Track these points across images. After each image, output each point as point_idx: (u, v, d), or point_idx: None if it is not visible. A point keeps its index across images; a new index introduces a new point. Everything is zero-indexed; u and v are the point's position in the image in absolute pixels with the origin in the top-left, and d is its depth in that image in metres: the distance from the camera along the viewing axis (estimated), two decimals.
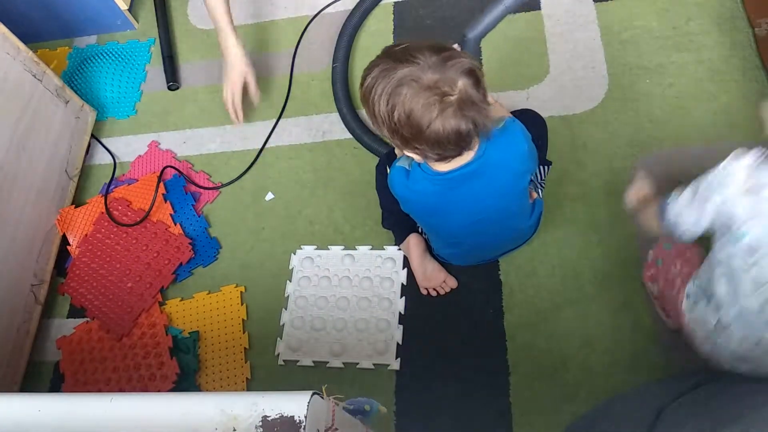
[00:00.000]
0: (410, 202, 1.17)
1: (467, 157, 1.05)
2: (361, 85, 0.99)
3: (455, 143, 0.97)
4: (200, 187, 1.62)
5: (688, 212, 0.95)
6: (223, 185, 1.62)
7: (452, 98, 0.92)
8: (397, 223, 1.38)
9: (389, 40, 1.71)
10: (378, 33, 1.74)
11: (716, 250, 0.95)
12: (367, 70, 0.97)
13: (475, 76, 0.94)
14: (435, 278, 1.36)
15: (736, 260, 0.91)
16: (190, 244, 1.52)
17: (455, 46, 1.01)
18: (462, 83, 0.92)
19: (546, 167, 1.35)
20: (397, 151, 1.18)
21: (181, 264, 1.50)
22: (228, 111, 1.60)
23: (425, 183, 1.09)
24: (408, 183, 1.12)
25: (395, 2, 1.78)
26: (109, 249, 1.54)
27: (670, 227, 0.99)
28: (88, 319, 1.50)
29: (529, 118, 1.28)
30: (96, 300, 1.50)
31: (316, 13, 1.81)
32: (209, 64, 1.81)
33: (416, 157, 1.04)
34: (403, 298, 1.39)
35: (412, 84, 0.92)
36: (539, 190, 1.32)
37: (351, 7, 1.79)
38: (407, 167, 1.11)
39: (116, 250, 1.53)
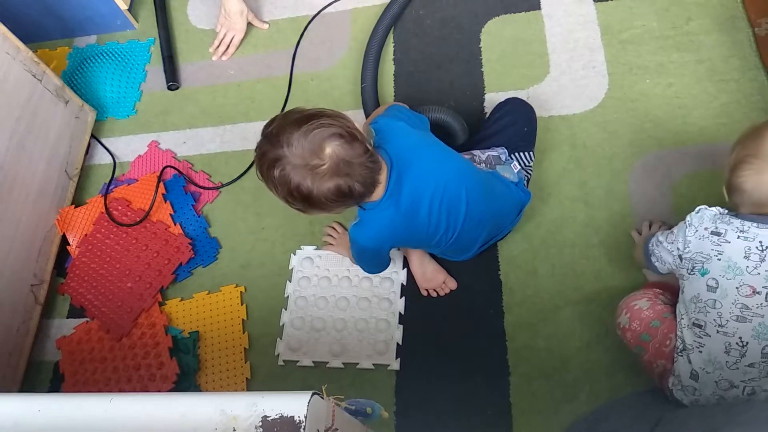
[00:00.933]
0: (386, 239, 1.19)
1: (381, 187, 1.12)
2: (254, 162, 1.11)
3: (350, 197, 1.06)
4: (200, 187, 1.62)
5: (665, 253, 1.10)
6: (223, 185, 1.62)
7: (324, 167, 1.01)
8: None
9: (389, 41, 1.71)
10: None
11: (685, 292, 1.07)
12: (256, 151, 1.07)
13: (341, 136, 1.01)
14: (435, 279, 1.36)
15: (700, 297, 1.01)
16: (190, 244, 1.52)
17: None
18: (330, 149, 1.00)
19: (531, 153, 1.37)
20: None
21: (181, 264, 1.50)
22: (216, 46, 1.78)
23: (379, 215, 1.14)
24: (367, 228, 1.17)
25: None
26: (109, 249, 1.54)
27: (651, 265, 1.15)
28: (88, 319, 1.50)
29: (515, 106, 1.38)
30: (96, 300, 1.50)
31: (315, 12, 1.81)
32: (209, 64, 1.81)
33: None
34: (403, 298, 1.39)
35: (285, 166, 1.02)
36: (525, 174, 1.35)
37: (349, 7, 1.79)
38: (355, 221, 1.19)
39: (116, 250, 1.53)
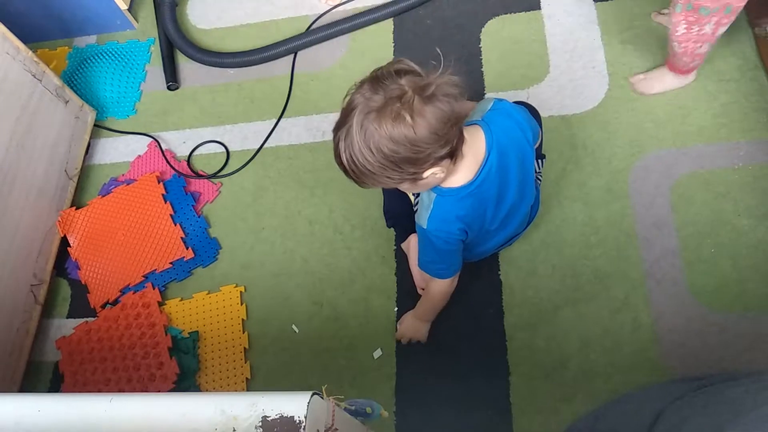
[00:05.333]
0: (461, 217, 1.09)
1: (479, 154, 1.04)
2: (341, 161, 0.97)
3: (451, 123, 0.93)
4: (199, 176, 1.63)
5: None
6: (216, 174, 1.62)
7: (408, 95, 0.90)
8: (399, 222, 1.38)
9: (389, 41, 1.72)
10: (378, 33, 1.74)
11: None
12: (335, 149, 0.97)
13: (406, 70, 0.93)
14: None
15: None
16: (190, 247, 1.52)
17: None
18: (405, 81, 0.91)
19: (541, 160, 1.35)
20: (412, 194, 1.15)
21: (182, 258, 1.51)
22: None
23: (460, 203, 1.06)
24: (443, 206, 1.07)
25: None
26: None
27: None
28: (87, 319, 1.50)
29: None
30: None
31: (318, 13, 1.81)
32: None
33: (436, 171, 0.98)
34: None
35: (369, 117, 0.91)
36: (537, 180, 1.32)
37: (350, 7, 1.79)
38: (429, 214, 1.08)
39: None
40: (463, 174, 1.04)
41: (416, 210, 1.14)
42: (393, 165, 0.93)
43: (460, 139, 0.99)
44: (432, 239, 1.10)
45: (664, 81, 1.46)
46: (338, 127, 0.96)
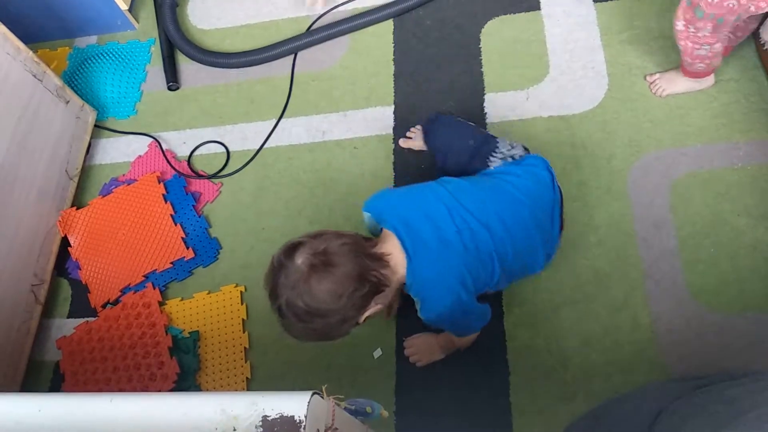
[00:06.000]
0: (454, 285, 1.11)
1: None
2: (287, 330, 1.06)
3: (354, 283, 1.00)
4: (199, 176, 1.63)
5: None
6: (217, 175, 1.62)
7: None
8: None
9: (389, 41, 1.72)
10: (378, 33, 1.74)
11: None
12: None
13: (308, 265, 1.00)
14: None
15: None
16: (190, 247, 1.52)
17: None
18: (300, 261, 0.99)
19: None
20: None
21: (182, 258, 1.51)
22: None
23: (426, 273, 1.09)
24: (432, 293, 1.11)
25: None
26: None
27: None
28: (88, 319, 1.50)
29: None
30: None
31: (318, 14, 1.82)
32: None
33: (377, 307, 1.06)
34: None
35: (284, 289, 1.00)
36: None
37: (350, 7, 1.79)
38: (419, 306, 1.13)
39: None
40: (399, 262, 1.08)
41: (419, 310, 1.15)
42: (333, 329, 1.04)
43: (378, 265, 1.05)
44: (438, 317, 1.12)
45: (675, 83, 1.45)
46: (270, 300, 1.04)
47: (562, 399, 1.24)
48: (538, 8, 1.66)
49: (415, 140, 1.50)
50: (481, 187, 1.18)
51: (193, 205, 1.59)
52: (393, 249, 1.08)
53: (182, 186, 1.61)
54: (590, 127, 1.48)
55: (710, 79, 1.43)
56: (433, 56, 1.67)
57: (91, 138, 1.74)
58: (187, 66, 1.84)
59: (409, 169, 1.53)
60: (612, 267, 1.33)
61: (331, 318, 1.00)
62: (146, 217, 1.56)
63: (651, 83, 1.49)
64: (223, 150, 1.68)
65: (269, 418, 0.65)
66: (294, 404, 0.66)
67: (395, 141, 1.57)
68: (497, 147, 1.26)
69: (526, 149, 1.27)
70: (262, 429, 0.65)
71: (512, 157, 1.24)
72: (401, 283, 1.10)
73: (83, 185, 1.71)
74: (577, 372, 1.26)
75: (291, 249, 1.00)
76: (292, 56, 1.77)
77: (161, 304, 1.49)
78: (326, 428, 0.69)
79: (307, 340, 1.07)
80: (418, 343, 1.32)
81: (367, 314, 1.05)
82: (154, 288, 1.49)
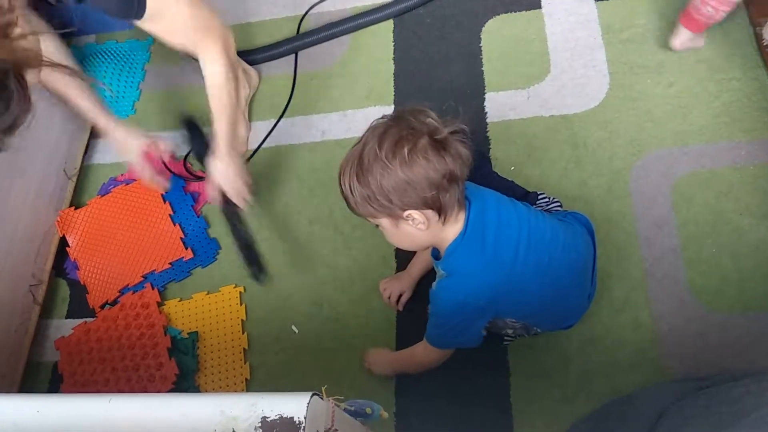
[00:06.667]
0: (480, 288, 1.05)
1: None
2: (342, 194, 1.01)
3: (447, 180, 0.95)
4: (196, 177, 1.63)
5: None
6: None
7: (423, 142, 0.93)
8: None
9: (389, 40, 1.71)
10: (377, 33, 1.73)
11: None
12: (341, 174, 0.99)
13: (428, 115, 0.95)
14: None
15: None
16: (189, 247, 1.52)
17: None
18: (430, 122, 0.95)
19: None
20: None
21: (181, 259, 1.50)
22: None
23: (465, 258, 1.03)
24: (458, 276, 1.04)
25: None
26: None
27: None
28: (87, 319, 1.50)
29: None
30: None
31: (306, 11, 1.81)
32: None
33: (418, 221, 0.98)
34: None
35: (377, 144, 0.94)
36: None
37: (349, 6, 1.79)
38: (440, 277, 1.07)
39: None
40: (452, 229, 1.03)
41: (436, 282, 1.10)
42: (377, 191, 0.95)
43: (454, 199, 0.98)
44: (443, 301, 1.07)
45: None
46: (348, 159, 0.99)
47: (563, 399, 1.24)
48: (539, 7, 1.66)
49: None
50: (554, 233, 1.13)
51: (192, 205, 1.58)
52: (460, 219, 1.02)
53: (181, 186, 1.61)
54: (591, 127, 1.47)
55: (702, 39, 1.45)
56: (433, 55, 1.67)
57: (90, 137, 1.73)
58: (186, 65, 1.83)
59: None
60: (613, 266, 1.33)
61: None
62: (145, 217, 1.56)
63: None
64: None
65: (268, 419, 0.65)
66: (293, 405, 0.66)
67: None
68: (538, 198, 1.26)
69: (560, 205, 1.26)
70: (261, 430, 0.65)
71: (550, 210, 1.23)
72: (436, 242, 1.05)
73: (82, 185, 1.70)
74: (578, 372, 1.25)
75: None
76: (293, 55, 1.76)
77: (160, 304, 1.48)
78: (326, 429, 0.68)
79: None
80: (376, 355, 1.33)
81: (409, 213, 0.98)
82: (153, 288, 1.49)
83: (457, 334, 1.11)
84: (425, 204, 0.96)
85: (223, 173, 1.36)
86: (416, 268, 1.35)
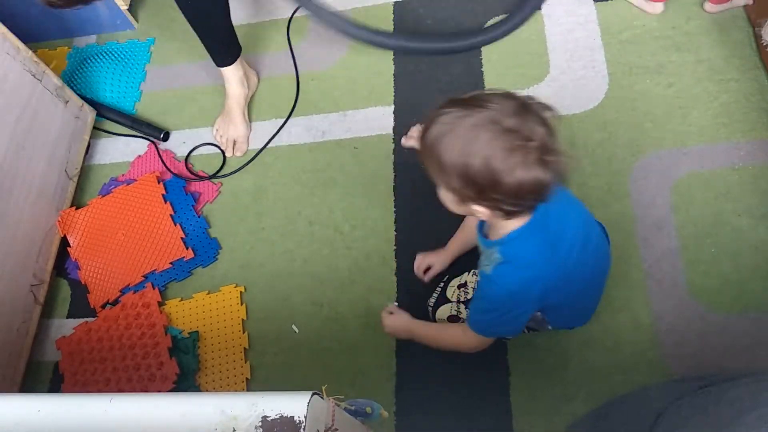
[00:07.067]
0: (536, 277, 1.01)
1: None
2: (425, 134, 0.91)
3: (536, 193, 0.88)
4: (198, 177, 1.63)
5: None
6: (215, 175, 1.62)
7: (533, 144, 0.85)
8: None
9: None
10: None
11: None
12: (432, 120, 0.90)
13: (550, 127, 0.88)
14: None
15: None
16: (190, 247, 1.52)
17: None
18: (541, 131, 0.86)
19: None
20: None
21: (182, 258, 1.51)
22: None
23: (526, 245, 0.98)
24: (517, 263, 0.99)
25: (395, 2, 1.78)
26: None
27: None
28: (88, 319, 1.50)
29: None
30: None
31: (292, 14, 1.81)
32: (208, 63, 1.81)
33: (483, 213, 0.93)
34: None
35: (491, 127, 0.85)
36: None
37: (349, 7, 1.79)
38: (496, 263, 1.00)
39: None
40: (517, 221, 0.98)
41: (478, 266, 1.08)
42: (462, 174, 0.88)
43: (531, 205, 0.94)
44: (498, 287, 1.02)
45: None
46: (456, 104, 0.90)
47: (563, 399, 1.24)
48: (539, 7, 1.66)
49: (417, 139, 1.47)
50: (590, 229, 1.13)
51: (192, 205, 1.58)
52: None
53: (182, 186, 1.61)
54: (590, 127, 1.48)
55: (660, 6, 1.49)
56: (433, 55, 1.67)
57: (91, 138, 1.74)
58: (187, 66, 1.84)
59: (409, 169, 1.53)
60: (613, 267, 1.32)
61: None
62: (146, 217, 1.56)
63: None
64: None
65: (269, 419, 0.65)
66: (294, 405, 0.66)
67: (395, 141, 1.57)
68: None
69: None
70: (261, 429, 0.65)
71: None
72: (493, 222, 1.00)
73: (83, 185, 1.70)
74: (577, 372, 1.26)
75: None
76: (292, 55, 1.76)
77: (161, 304, 1.48)
78: (326, 429, 0.68)
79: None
80: (394, 318, 1.28)
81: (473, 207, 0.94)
82: (154, 288, 1.49)
83: (503, 323, 1.09)
84: (501, 210, 0.93)
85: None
86: (455, 245, 1.33)
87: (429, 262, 1.36)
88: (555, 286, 1.03)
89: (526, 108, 0.87)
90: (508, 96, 0.88)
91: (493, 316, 1.07)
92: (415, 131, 1.48)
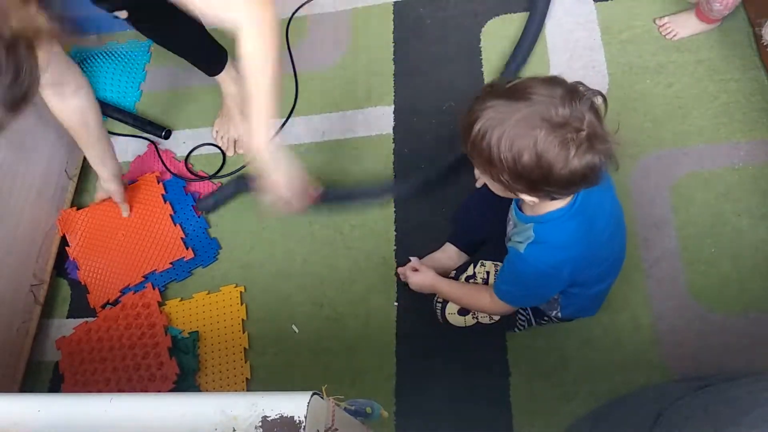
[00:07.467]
0: (568, 258, 1.00)
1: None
2: (470, 129, 0.88)
3: (587, 179, 0.87)
4: (198, 177, 1.63)
5: None
6: (216, 175, 1.62)
7: (584, 134, 0.83)
8: (462, 239, 1.37)
9: (389, 40, 1.71)
10: (377, 33, 1.74)
11: None
12: (477, 114, 0.87)
13: (597, 111, 0.87)
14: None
15: None
16: (190, 247, 1.52)
17: None
18: (589, 117, 0.85)
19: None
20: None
21: (182, 259, 1.51)
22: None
23: (563, 226, 0.97)
24: (550, 244, 0.98)
25: (395, 2, 1.78)
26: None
27: None
28: (87, 319, 1.50)
29: None
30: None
31: (291, 14, 1.81)
32: None
33: (531, 199, 0.93)
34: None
35: (540, 123, 0.83)
36: None
37: (349, 7, 1.79)
38: (528, 242, 0.99)
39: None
40: (559, 202, 0.97)
41: (509, 236, 1.06)
42: (513, 171, 0.87)
43: (584, 188, 0.93)
44: (530, 266, 1.01)
45: (687, 26, 1.50)
46: (500, 96, 0.87)
47: (563, 399, 1.24)
48: None
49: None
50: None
51: (192, 205, 1.58)
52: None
53: (182, 186, 1.61)
54: None
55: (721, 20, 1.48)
56: (433, 56, 1.67)
57: None
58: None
59: (410, 169, 1.53)
60: None
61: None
62: (145, 217, 1.56)
63: (661, 26, 1.53)
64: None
65: (269, 419, 0.65)
66: (294, 405, 0.66)
67: (395, 141, 1.57)
68: None
69: None
70: (261, 429, 0.65)
71: None
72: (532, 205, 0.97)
73: (83, 185, 1.70)
74: (577, 372, 1.26)
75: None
76: (289, 56, 1.76)
77: (161, 304, 1.48)
78: (326, 429, 0.68)
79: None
80: (419, 276, 1.28)
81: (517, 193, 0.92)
82: (154, 288, 1.49)
83: (531, 297, 1.12)
84: (549, 197, 0.93)
85: (286, 171, 1.15)
86: (439, 268, 1.31)
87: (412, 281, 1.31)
88: (582, 266, 1.03)
89: (573, 94, 0.85)
90: (554, 82, 0.86)
91: (521, 290, 1.09)
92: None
